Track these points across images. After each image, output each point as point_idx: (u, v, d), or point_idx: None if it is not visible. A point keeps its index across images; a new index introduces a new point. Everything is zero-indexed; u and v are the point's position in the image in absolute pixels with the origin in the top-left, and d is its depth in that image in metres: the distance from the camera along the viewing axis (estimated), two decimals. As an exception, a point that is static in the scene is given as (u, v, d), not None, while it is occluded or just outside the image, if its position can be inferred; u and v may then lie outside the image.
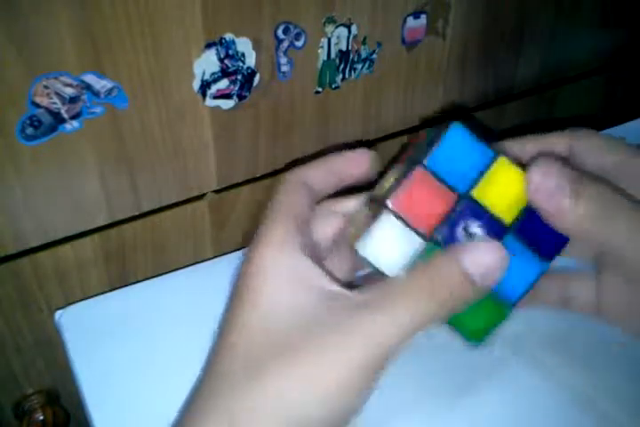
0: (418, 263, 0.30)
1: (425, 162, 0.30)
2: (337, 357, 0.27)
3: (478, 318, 0.31)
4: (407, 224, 0.30)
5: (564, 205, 0.30)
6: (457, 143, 0.31)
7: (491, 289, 0.30)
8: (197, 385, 0.31)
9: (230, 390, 0.28)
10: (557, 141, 0.35)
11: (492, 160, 0.31)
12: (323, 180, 0.34)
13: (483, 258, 0.29)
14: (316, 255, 0.33)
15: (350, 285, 0.30)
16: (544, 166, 0.30)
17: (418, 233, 0.30)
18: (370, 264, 0.31)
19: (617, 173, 0.33)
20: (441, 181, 0.30)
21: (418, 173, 0.30)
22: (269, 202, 0.34)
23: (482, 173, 0.31)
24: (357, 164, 0.35)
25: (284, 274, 0.30)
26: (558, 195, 0.30)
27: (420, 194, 0.30)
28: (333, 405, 0.27)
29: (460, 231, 0.30)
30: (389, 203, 0.30)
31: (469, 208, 0.30)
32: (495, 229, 0.31)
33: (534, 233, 0.31)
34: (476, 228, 0.30)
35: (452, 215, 0.30)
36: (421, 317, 0.28)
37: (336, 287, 0.30)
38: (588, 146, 0.34)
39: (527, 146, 0.35)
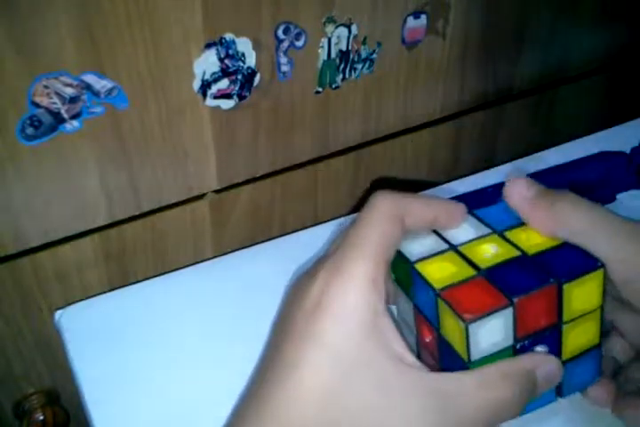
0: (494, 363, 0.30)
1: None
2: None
3: None
4: (515, 324, 0.30)
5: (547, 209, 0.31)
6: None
7: None
8: (245, 411, 0.29)
9: None
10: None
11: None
12: (418, 220, 0.31)
13: (553, 369, 0.31)
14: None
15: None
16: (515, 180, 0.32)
17: (515, 335, 0.30)
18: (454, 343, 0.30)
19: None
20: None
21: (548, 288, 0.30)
22: (359, 219, 0.29)
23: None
24: (454, 218, 0.32)
25: (364, 327, 0.27)
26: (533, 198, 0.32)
27: (538, 303, 0.30)
28: None
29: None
30: (516, 300, 0.29)
31: (552, 335, 0.31)
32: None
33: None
34: (542, 347, 0.31)
35: (540, 332, 0.31)
36: (495, 415, 0.28)
37: (414, 360, 0.28)
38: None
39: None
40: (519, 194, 0.32)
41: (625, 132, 0.58)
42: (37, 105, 0.37)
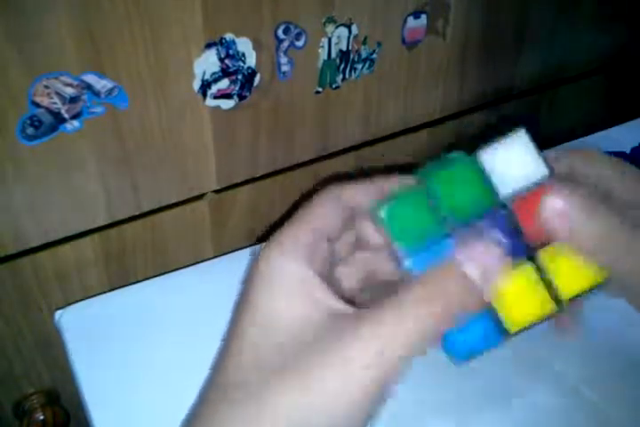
0: (422, 272, 0.29)
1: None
2: (342, 373, 0.26)
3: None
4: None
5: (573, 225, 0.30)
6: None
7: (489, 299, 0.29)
8: (204, 392, 0.30)
9: (236, 403, 0.28)
10: (562, 160, 0.34)
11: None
12: (367, 196, 0.33)
13: (481, 258, 0.28)
14: (328, 268, 0.32)
15: (353, 301, 0.30)
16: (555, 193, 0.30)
17: None
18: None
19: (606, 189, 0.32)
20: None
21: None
22: (298, 210, 0.33)
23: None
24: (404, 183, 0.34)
25: (288, 285, 0.30)
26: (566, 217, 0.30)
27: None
28: (340, 421, 0.27)
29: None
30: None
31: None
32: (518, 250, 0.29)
33: None
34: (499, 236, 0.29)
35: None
36: (425, 328, 0.27)
37: (339, 304, 0.29)
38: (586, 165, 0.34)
39: None
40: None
41: (625, 132, 0.58)
42: (38, 105, 0.37)
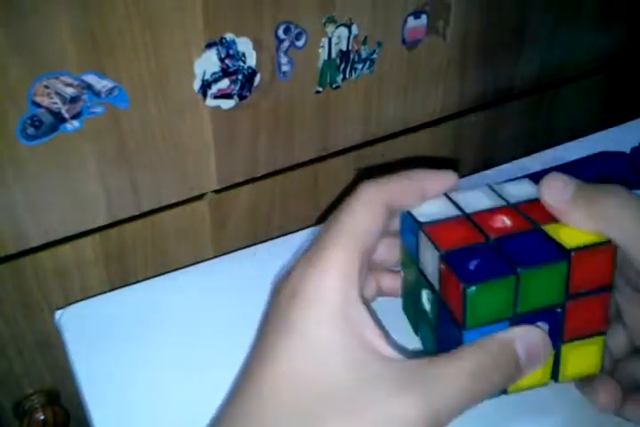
0: (476, 341, 0.29)
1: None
2: (392, 418, 0.26)
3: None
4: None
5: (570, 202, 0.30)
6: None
7: None
8: (227, 408, 0.29)
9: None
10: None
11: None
12: (408, 198, 0.32)
13: (534, 345, 0.29)
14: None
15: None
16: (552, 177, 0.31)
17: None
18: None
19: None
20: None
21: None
22: (339, 211, 0.30)
23: None
24: (447, 186, 0.34)
25: (343, 320, 0.28)
26: (566, 191, 0.30)
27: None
28: None
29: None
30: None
31: (554, 315, 0.31)
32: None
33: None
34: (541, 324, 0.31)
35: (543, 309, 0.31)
36: (470, 396, 0.28)
37: (390, 350, 0.28)
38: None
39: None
40: (554, 195, 0.31)
41: (625, 132, 0.58)
42: (38, 105, 0.37)
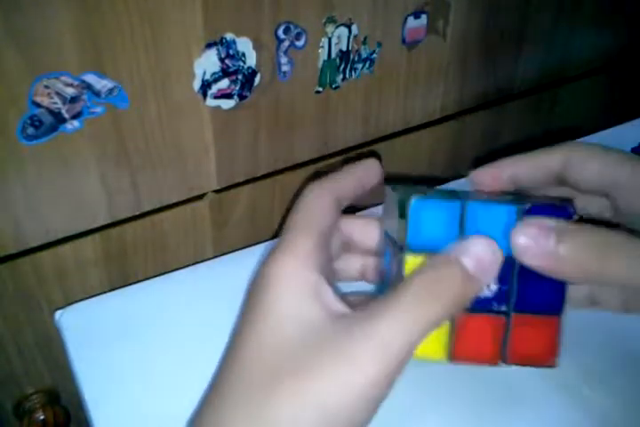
0: (419, 267, 0.30)
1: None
2: (345, 374, 0.27)
3: None
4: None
5: (552, 254, 0.29)
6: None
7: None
8: (208, 393, 0.31)
9: (243, 404, 0.28)
10: (551, 159, 0.35)
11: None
12: (350, 189, 0.35)
13: (481, 255, 0.29)
14: (330, 268, 0.33)
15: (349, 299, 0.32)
16: (524, 228, 0.30)
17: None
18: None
19: (616, 189, 0.33)
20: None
21: None
22: (293, 210, 0.34)
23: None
24: (375, 172, 0.37)
25: (297, 289, 0.30)
26: (543, 247, 0.29)
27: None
28: (346, 415, 0.27)
29: None
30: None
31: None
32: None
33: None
34: None
35: None
36: (427, 320, 0.28)
37: (345, 308, 0.30)
38: (583, 162, 0.34)
39: (521, 166, 0.35)
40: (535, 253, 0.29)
41: (625, 132, 0.58)
42: (38, 105, 0.37)
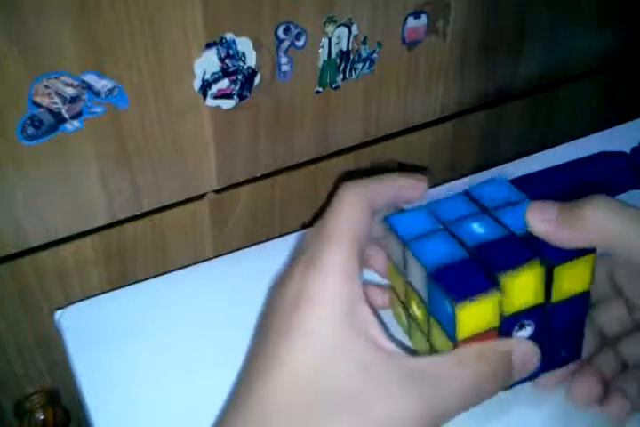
0: (472, 344, 0.30)
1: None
2: (395, 418, 0.27)
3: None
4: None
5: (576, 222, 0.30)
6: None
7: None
8: (227, 414, 0.29)
9: None
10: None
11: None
12: (386, 199, 0.33)
13: (528, 356, 0.31)
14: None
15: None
16: (535, 211, 0.31)
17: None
18: None
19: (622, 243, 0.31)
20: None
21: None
22: (330, 211, 0.31)
23: None
24: (417, 190, 0.34)
25: (346, 319, 0.28)
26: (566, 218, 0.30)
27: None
28: None
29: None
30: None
31: (539, 314, 0.32)
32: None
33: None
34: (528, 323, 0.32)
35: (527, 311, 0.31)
36: (473, 398, 0.29)
37: (394, 346, 0.29)
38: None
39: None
40: (541, 219, 0.31)
41: (625, 132, 0.58)
42: (38, 105, 0.37)
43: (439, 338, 0.32)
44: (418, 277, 0.32)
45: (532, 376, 0.33)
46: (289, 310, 0.29)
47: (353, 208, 0.31)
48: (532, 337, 0.32)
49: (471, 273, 0.30)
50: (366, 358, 0.28)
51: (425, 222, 0.33)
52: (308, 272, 0.29)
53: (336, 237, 0.30)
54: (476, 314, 0.30)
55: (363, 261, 0.31)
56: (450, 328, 0.30)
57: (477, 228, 0.32)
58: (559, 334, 0.33)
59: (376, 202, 0.32)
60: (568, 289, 0.31)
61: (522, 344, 0.31)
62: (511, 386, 0.32)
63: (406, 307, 0.35)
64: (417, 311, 0.34)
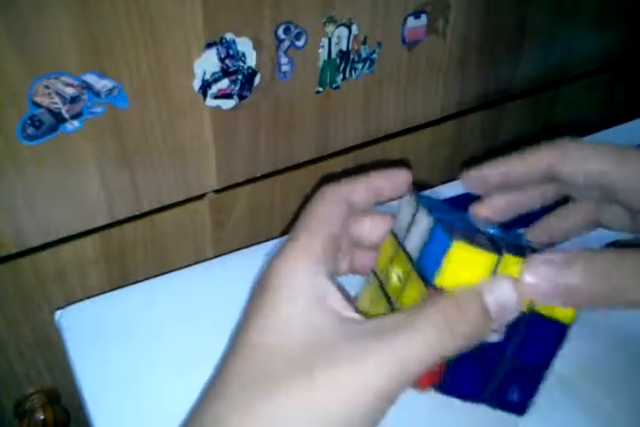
0: (439, 295, 0.29)
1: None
2: (352, 382, 0.27)
3: None
4: None
5: (564, 286, 0.29)
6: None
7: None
8: (207, 388, 0.30)
9: (241, 401, 0.28)
10: (540, 158, 0.35)
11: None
12: (363, 195, 0.35)
13: (503, 296, 0.29)
14: (338, 269, 0.34)
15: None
16: (530, 266, 0.29)
17: None
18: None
19: (607, 183, 0.34)
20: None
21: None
22: (304, 211, 0.33)
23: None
24: (398, 183, 0.35)
25: (305, 292, 0.30)
26: (553, 280, 0.29)
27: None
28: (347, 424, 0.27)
29: None
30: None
31: None
32: None
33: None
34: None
35: None
36: (438, 347, 0.28)
37: (353, 314, 0.30)
38: (572, 158, 0.35)
39: (512, 168, 0.36)
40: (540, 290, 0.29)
41: (625, 132, 0.58)
42: (38, 105, 0.37)
43: (411, 292, 0.31)
44: (419, 234, 0.32)
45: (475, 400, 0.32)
46: (259, 294, 0.31)
47: (325, 203, 0.33)
48: (495, 348, 0.30)
49: (479, 237, 0.30)
50: (318, 323, 0.29)
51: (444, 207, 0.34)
52: (277, 259, 0.31)
53: (305, 227, 0.32)
54: (466, 262, 0.29)
55: (336, 247, 0.32)
56: (432, 269, 0.29)
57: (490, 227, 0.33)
58: (522, 364, 0.31)
59: (352, 199, 0.34)
60: (551, 309, 0.30)
61: (497, 283, 0.29)
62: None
63: (379, 277, 0.35)
64: (396, 272, 0.33)
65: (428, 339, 0.28)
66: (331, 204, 0.33)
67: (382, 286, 0.35)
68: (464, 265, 0.29)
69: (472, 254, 0.29)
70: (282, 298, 0.30)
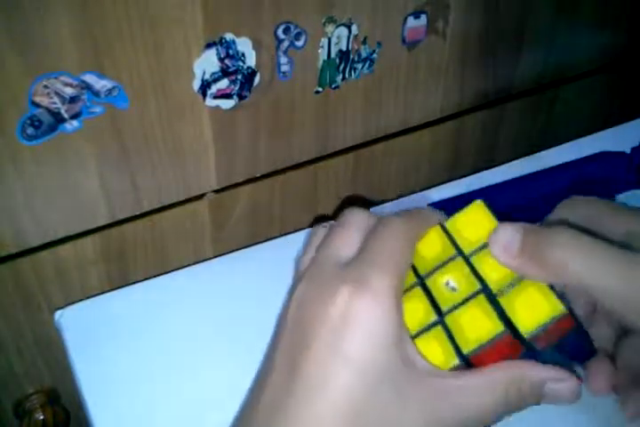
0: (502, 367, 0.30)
1: None
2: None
3: None
4: None
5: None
6: None
7: None
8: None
9: None
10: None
11: None
12: (424, 230, 0.33)
13: (560, 385, 0.30)
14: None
15: None
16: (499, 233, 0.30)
17: None
18: None
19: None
20: None
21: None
22: (369, 242, 0.32)
23: None
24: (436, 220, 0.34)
25: (389, 340, 0.29)
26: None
27: None
28: None
29: None
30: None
31: None
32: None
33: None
34: None
35: None
36: (492, 415, 0.29)
37: (424, 362, 0.29)
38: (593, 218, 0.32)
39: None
40: (504, 248, 0.29)
41: (625, 132, 0.58)
42: (37, 105, 0.37)
43: (474, 317, 0.30)
44: None
45: None
46: (335, 333, 0.29)
47: (399, 241, 0.31)
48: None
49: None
50: (405, 384, 0.28)
51: None
52: (356, 294, 0.29)
53: (388, 263, 0.30)
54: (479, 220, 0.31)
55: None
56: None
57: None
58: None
59: (418, 235, 0.32)
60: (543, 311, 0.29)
61: (558, 374, 0.30)
62: None
63: (417, 270, 0.34)
64: (450, 279, 0.32)
65: (480, 418, 0.29)
66: (403, 242, 0.31)
67: (424, 283, 0.33)
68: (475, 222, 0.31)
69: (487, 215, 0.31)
70: (367, 346, 0.28)
